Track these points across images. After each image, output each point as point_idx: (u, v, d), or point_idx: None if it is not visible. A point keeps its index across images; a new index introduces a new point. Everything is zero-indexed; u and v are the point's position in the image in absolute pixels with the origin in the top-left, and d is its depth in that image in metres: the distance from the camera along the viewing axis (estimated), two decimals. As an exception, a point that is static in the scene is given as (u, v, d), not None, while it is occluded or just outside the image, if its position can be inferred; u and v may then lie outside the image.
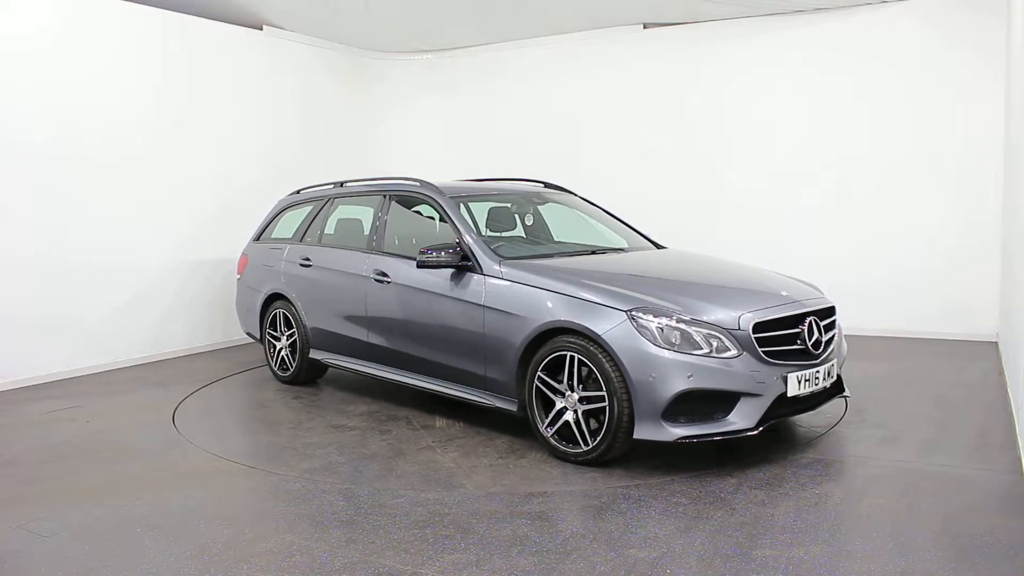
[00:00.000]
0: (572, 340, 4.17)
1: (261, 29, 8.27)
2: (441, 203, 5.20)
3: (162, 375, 6.62)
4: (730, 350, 3.97)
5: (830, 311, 4.55)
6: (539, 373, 4.31)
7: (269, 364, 6.46)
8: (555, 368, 4.27)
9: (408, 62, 9.71)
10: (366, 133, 9.60)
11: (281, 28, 8.42)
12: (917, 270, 7.41)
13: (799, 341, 4.19)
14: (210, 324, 7.74)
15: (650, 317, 4.00)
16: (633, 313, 4.02)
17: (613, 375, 3.98)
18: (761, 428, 3.99)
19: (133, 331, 7.07)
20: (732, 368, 3.94)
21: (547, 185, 6.13)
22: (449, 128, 9.67)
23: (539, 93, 9.09)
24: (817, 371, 4.21)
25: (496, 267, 4.67)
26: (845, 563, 3.00)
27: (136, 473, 4.26)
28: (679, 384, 3.86)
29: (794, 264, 7.79)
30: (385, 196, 5.73)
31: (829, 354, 4.35)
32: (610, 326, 4.04)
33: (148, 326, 7.18)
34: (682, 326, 3.98)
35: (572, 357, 4.16)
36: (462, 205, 5.24)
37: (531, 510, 3.59)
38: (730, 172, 8.17)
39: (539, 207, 5.86)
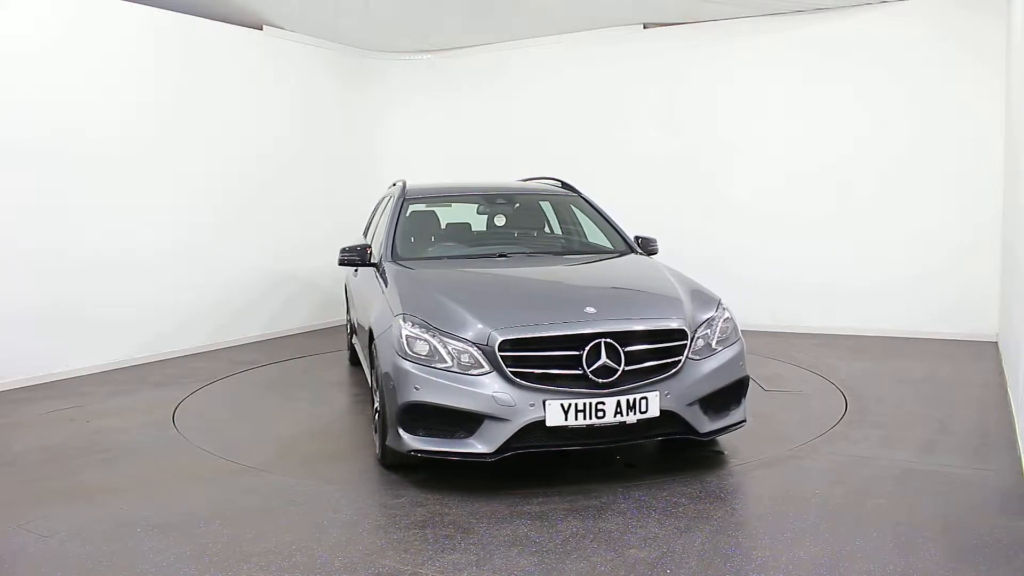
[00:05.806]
0: (376, 342, 4.24)
1: (261, 29, 8.26)
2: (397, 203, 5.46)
3: (162, 375, 6.62)
4: (481, 367, 3.73)
5: (660, 334, 3.86)
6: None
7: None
8: None
9: (408, 62, 9.71)
10: (366, 133, 9.60)
11: (281, 28, 8.42)
12: (917, 270, 7.41)
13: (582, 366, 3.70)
14: (210, 324, 7.73)
15: (408, 325, 3.91)
16: (397, 320, 3.99)
17: (381, 380, 4.00)
18: (502, 456, 3.68)
19: (134, 331, 7.06)
20: (473, 387, 3.68)
21: (563, 185, 6.11)
22: (449, 128, 9.66)
23: (539, 93, 9.08)
24: (601, 401, 3.66)
25: (386, 267, 4.82)
26: (845, 563, 3.00)
27: (136, 473, 4.26)
28: (407, 395, 3.76)
29: (794, 264, 7.82)
30: (390, 196, 6.01)
31: (638, 385, 3.73)
32: (381, 331, 4.09)
33: (148, 326, 7.17)
34: (429, 337, 3.84)
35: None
36: (411, 206, 5.46)
37: (531, 510, 3.58)
38: (730, 172, 8.16)
39: (519, 206, 5.89)
